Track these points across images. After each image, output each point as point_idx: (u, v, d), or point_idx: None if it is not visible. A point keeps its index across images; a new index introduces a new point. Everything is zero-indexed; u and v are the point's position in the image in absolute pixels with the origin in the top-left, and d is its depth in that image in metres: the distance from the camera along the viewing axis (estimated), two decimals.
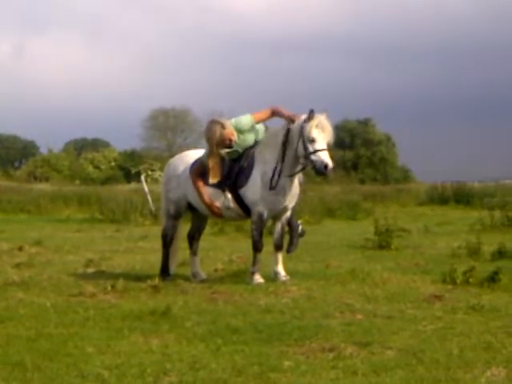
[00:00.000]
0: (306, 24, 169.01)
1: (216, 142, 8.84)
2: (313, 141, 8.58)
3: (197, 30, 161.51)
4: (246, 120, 9.00)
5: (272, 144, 8.96)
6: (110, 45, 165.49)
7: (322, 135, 8.64)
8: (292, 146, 8.80)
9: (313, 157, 8.58)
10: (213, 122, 9.00)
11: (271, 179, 8.79)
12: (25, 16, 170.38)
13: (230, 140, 8.88)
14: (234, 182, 8.94)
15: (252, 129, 9.05)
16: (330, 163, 8.55)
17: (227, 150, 8.99)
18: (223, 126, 8.85)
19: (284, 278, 8.97)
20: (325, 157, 8.57)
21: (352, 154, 69.67)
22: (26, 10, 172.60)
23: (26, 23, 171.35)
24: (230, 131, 8.86)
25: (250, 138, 9.06)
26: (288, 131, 8.83)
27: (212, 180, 8.93)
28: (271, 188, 8.78)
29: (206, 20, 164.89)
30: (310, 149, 8.59)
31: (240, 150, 9.04)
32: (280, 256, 9.13)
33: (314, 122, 8.62)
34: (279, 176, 8.79)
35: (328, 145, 8.71)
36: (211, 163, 8.90)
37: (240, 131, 8.97)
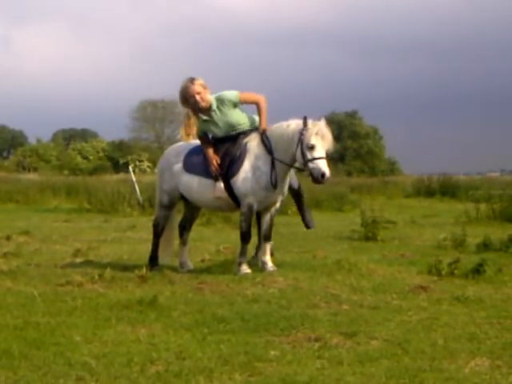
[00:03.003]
0: (295, 17, 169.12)
1: (183, 96, 9.00)
2: (312, 148, 8.52)
3: (185, 22, 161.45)
4: (229, 93, 9.00)
5: (265, 140, 8.96)
6: (98, 35, 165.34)
7: (321, 143, 8.57)
8: (288, 150, 8.78)
9: (310, 164, 8.52)
10: (185, 80, 9.07)
11: (270, 178, 8.82)
12: (11, 7, 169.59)
13: (194, 97, 8.91)
14: (226, 172, 8.94)
15: (235, 106, 9.03)
16: (328, 172, 8.51)
17: (204, 117, 9.03)
18: (192, 81, 8.94)
19: (271, 269, 8.98)
20: (323, 165, 8.50)
21: (339, 146, 69.76)
22: (12, 1, 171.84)
23: (13, 14, 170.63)
24: (197, 88, 8.90)
25: (231, 115, 9.00)
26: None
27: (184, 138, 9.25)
28: (267, 185, 8.83)
29: (195, 13, 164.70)
30: (309, 156, 8.53)
31: (220, 124, 9.01)
32: (268, 246, 9.15)
33: (313, 129, 8.56)
34: (276, 177, 8.84)
35: (327, 153, 8.68)
36: (185, 131, 9.20)
37: (220, 102, 8.97)
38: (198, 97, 8.93)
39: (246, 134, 9.06)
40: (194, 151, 9.28)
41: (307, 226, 9.73)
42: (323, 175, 8.48)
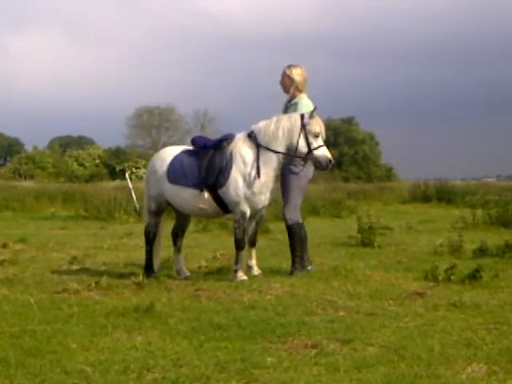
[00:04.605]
0: (291, 22, 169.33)
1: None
2: (317, 136, 8.83)
3: (182, 29, 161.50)
4: (308, 106, 9.29)
5: (251, 145, 9.00)
6: (94, 43, 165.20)
7: (321, 131, 8.89)
8: (281, 144, 8.90)
9: (316, 152, 8.83)
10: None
11: (257, 168, 8.87)
12: (8, 13, 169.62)
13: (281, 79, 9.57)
14: (214, 182, 8.95)
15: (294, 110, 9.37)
16: (332, 158, 8.90)
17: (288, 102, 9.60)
18: (288, 68, 9.56)
19: (256, 273, 9.16)
20: (327, 152, 8.89)
21: (336, 153, 69.85)
22: (8, 8, 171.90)
23: (10, 21, 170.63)
24: (284, 77, 9.58)
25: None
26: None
27: None
28: (260, 189, 8.86)
29: (192, 19, 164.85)
30: (314, 144, 8.83)
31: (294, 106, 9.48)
32: (254, 251, 9.28)
33: (317, 119, 8.91)
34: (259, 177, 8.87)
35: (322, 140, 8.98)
36: None
37: (298, 105, 9.41)
38: (280, 85, 9.66)
39: (228, 141, 9.09)
40: (177, 160, 9.27)
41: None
42: (330, 161, 8.87)
